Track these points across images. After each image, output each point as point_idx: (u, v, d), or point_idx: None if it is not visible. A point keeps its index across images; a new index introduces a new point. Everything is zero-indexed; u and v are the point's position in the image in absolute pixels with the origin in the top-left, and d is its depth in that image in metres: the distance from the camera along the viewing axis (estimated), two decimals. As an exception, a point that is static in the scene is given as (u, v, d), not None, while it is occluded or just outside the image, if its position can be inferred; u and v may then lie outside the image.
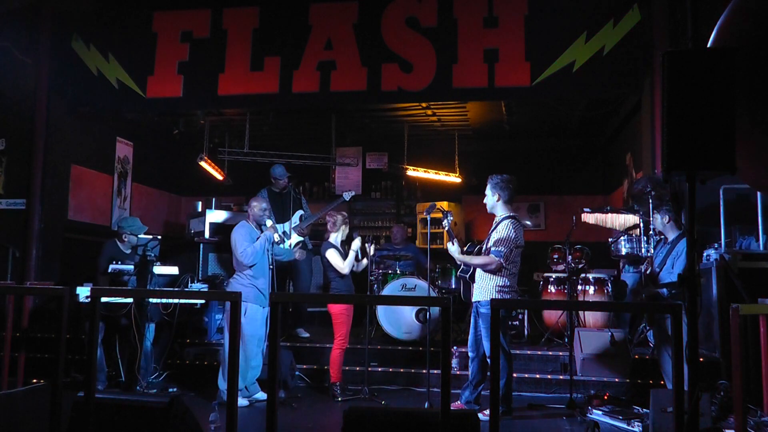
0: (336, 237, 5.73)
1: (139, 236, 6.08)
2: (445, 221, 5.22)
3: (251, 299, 5.17)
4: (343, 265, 5.56)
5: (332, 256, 5.58)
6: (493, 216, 5.16)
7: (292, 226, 7.01)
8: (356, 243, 5.65)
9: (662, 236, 5.19)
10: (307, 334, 6.91)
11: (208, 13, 7.46)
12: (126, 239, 5.96)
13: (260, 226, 5.47)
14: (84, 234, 8.30)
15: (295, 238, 7.11)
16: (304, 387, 5.91)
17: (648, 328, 5.99)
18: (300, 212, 7.19)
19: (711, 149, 2.78)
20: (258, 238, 5.31)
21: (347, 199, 6.92)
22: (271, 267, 5.37)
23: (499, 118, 8.86)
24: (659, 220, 5.05)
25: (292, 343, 6.47)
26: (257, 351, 5.25)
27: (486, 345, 4.80)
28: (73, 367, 5.89)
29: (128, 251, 5.97)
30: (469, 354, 5.04)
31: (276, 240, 5.37)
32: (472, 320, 5.05)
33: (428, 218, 5.88)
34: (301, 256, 6.28)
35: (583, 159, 10.21)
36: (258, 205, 5.48)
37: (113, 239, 6.05)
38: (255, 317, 5.20)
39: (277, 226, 6.75)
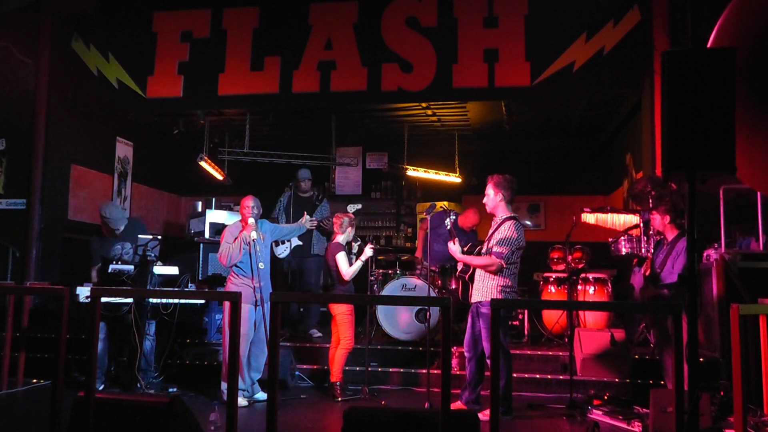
0: (343, 238, 5.73)
1: (139, 236, 6.09)
2: (447, 220, 5.23)
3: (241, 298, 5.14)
4: (346, 271, 5.55)
5: (342, 259, 5.57)
6: (492, 216, 5.15)
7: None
8: (368, 251, 5.61)
9: (661, 236, 5.19)
10: (320, 334, 6.97)
11: (208, 13, 7.46)
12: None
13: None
14: (84, 234, 8.26)
15: (296, 242, 7.14)
16: (304, 387, 5.91)
17: (648, 329, 5.99)
18: (306, 218, 7.21)
19: (711, 149, 2.78)
20: (236, 238, 5.30)
21: (351, 212, 6.79)
22: (260, 266, 5.31)
23: (499, 118, 8.86)
24: (658, 220, 5.04)
25: (292, 343, 6.47)
26: (246, 349, 5.25)
27: (486, 345, 4.79)
28: (73, 367, 5.89)
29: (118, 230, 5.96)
30: (466, 354, 5.04)
31: (254, 237, 5.29)
32: (469, 320, 5.04)
33: (428, 219, 5.89)
34: (311, 225, 6.25)
35: (583, 159, 10.20)
36: (244, 204, 5.43)
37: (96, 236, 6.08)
38: (243, 316, 5.17)
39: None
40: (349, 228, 5.78)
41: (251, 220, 5.35)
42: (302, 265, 7.25)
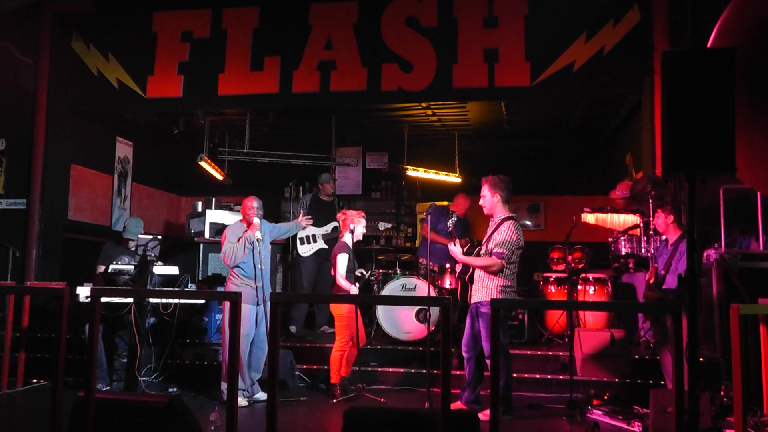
0: (348, 237, 5.63)
1: (139, 236, 6.13)
2: (450, 222, 5.23)
3: (242, 298, 5.14)
4: (341, 273, 5.46)
5: (341, 260, 5.48)
6: (490, 217, 5.15)
7: (322, 233, 7.13)
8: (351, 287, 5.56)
9: (660, 236, 5.19)
10: (332, 330, 7.01)
11: (208, 13, 7.46)
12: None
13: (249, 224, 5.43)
14: (84, 234, 8.30)
15: (320, 244, 7.21)
16: (303, 387, 5.91)
17: (649, 329, 5.99)
18: (334, 224, 7.30)
19: (711, 149, 2.78)
20: (240, 238, 5.30)
21: (382, 229, 6.80)
22: (260, 266, 5.29)
23: (499, 118, 8.86)
24: (662, 219, 5.03)
25: (292, 343, 6.47)
26: (248, 350, 5.25)
27: (486, 345, 4.79)
28: (73, 367, 5.88)
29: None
30: (464, 354, 5.04)
31: (258, 237, 5.30)
32: (468, 320, 5.04)
33: (428, 219, 5.88)
34: (307, 224, 6.24)
35: (583, 159, 10.20)
36: (248, 204, 5.42)
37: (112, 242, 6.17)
38: (245, 317, 5.17)
39: (310, 229, 6.90)
40: (357, 222, 5.65)
41: (256, 221, 5.34)
42: (322, 266, 7.34)
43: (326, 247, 7.31)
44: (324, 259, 7.35)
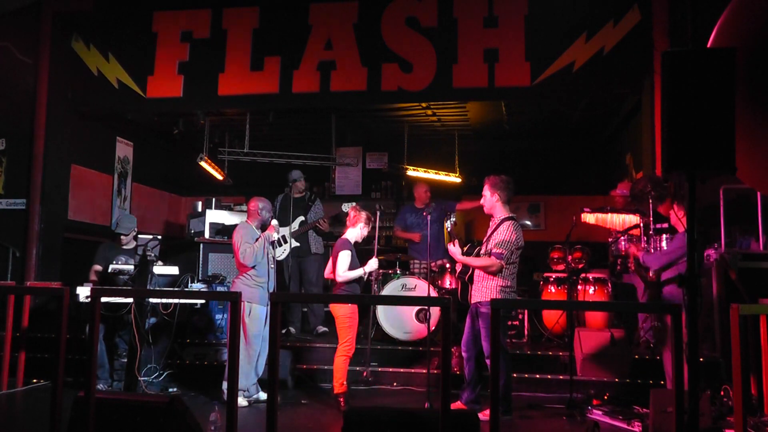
0: (352, 235, 5.40)
1: (139, 236, 6.13)
2: (448, 222, 5.24)
3: (256, 299, 5.18)
4: (342, 273, 5.21)
5: (343, 257, 5.23)
6: (490, 216, 5.15)
7: (291, 231, 7.08)
8: (373, 264, 5.33)
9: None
10: (326, 329, 7.02)
11: (208, 13, 7.46)
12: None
13: (263, 226, 5.47)
14: (84, 234, 8.29)
15: (293, 242, 7.16)
16: (304, 387, 5.90)
17: (649, 328, 5.99)
18: (300, 218, 7.25)
19: (711, 149, 2.78)
20: (257, 239, 5.31)
21: (345, 210, 6.52)
22: (272, 266, 5.39)
23: (499, 118, 8.86)
24: (673, 217, 5.01)
25: (292, 343, 6.47)
26: (259, 351, 5.26)
27: (486, 345, 4.80)
28: (73, 367, 5.89)
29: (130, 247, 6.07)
30: (464, 354, 5.04)
31: (275, 239, 5.39)
32: (468, 320, 5.04)
33: (428, 219, 5.87)
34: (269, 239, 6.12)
35: (583, 159, 10.19)
36: (265, 206, 5.49)
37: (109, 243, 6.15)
38: (259, 317, 5.20)
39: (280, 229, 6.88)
40: (363, 225, 5.41)
41: (275, 222, 5.44)
42: (302, 264, 7.28)
43: (299, 243, 7.22)
44: (300, 256, 7.26)
